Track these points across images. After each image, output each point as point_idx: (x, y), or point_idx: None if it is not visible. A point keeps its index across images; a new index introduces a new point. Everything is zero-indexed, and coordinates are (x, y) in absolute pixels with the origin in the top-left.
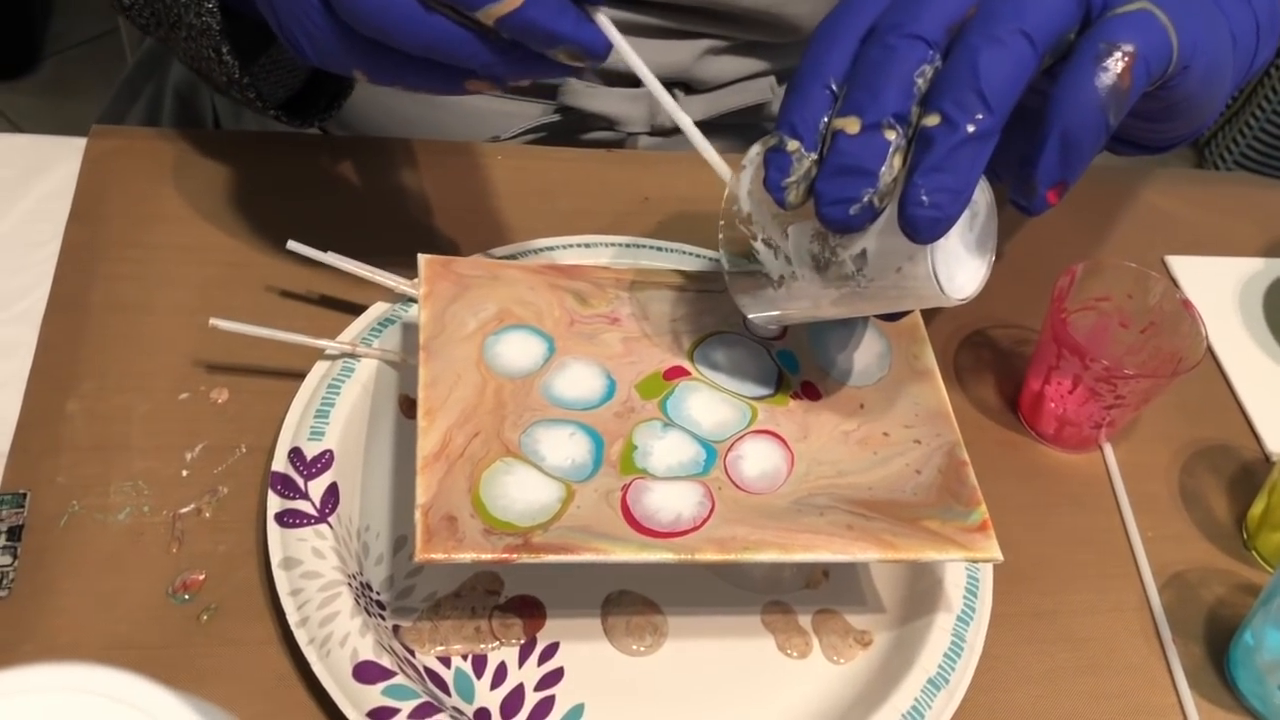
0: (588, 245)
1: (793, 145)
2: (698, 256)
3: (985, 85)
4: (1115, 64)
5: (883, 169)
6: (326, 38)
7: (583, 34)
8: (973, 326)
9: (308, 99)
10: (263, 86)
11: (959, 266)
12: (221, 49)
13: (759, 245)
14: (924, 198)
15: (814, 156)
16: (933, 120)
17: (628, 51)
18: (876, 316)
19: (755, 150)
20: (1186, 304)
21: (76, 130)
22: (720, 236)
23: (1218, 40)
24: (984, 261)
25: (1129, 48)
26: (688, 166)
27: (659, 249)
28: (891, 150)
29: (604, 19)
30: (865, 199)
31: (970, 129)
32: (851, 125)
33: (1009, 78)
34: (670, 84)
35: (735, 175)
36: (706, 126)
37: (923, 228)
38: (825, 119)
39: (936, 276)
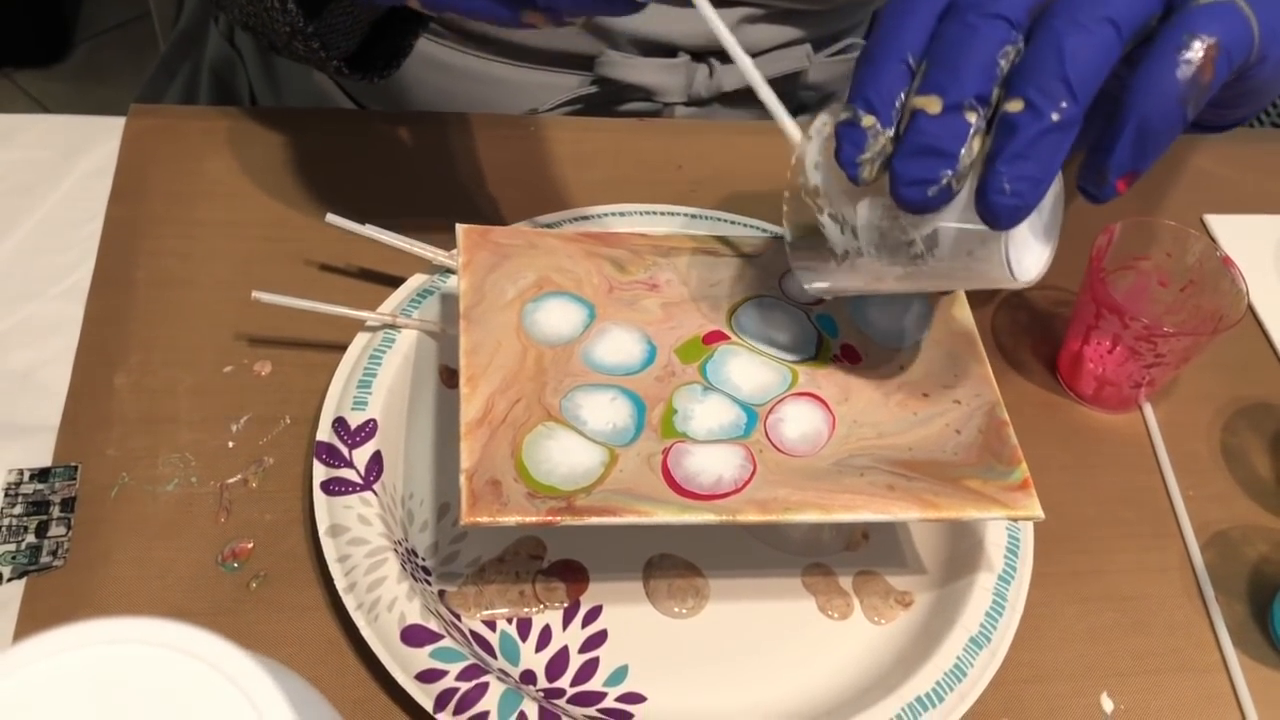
0: (623, 214)
1: (868, 120)
2: (732, 223)
3: (1071, 72)
4: (1197, 55)
5: (962, 151)
6: None
7: None
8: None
9: (368, 58)
10: (326, 38)
11: (1026, 250)
12: (286, 2)
13: (825, 219)
14: (1006, 185)
15: (890, 133)
16: (1016, 106)
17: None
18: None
19: (823, 120)
20: (1227, 261)
21: (110, 115)
22: (785, 208)
23: None
24: (1050, 245)
25: (1211, 39)
26: (720, 134)
27: (694, 216)
28: (972, 132)
29: None
30: (944, 181)
31: (1055, 117)
32: (932, 105)
33: (1094, 65)
34: (706, 53)
35: (802, 145)
36: (743, 96)
37: (1003, 215)
38: (902, 95)
39: (1008, 261)
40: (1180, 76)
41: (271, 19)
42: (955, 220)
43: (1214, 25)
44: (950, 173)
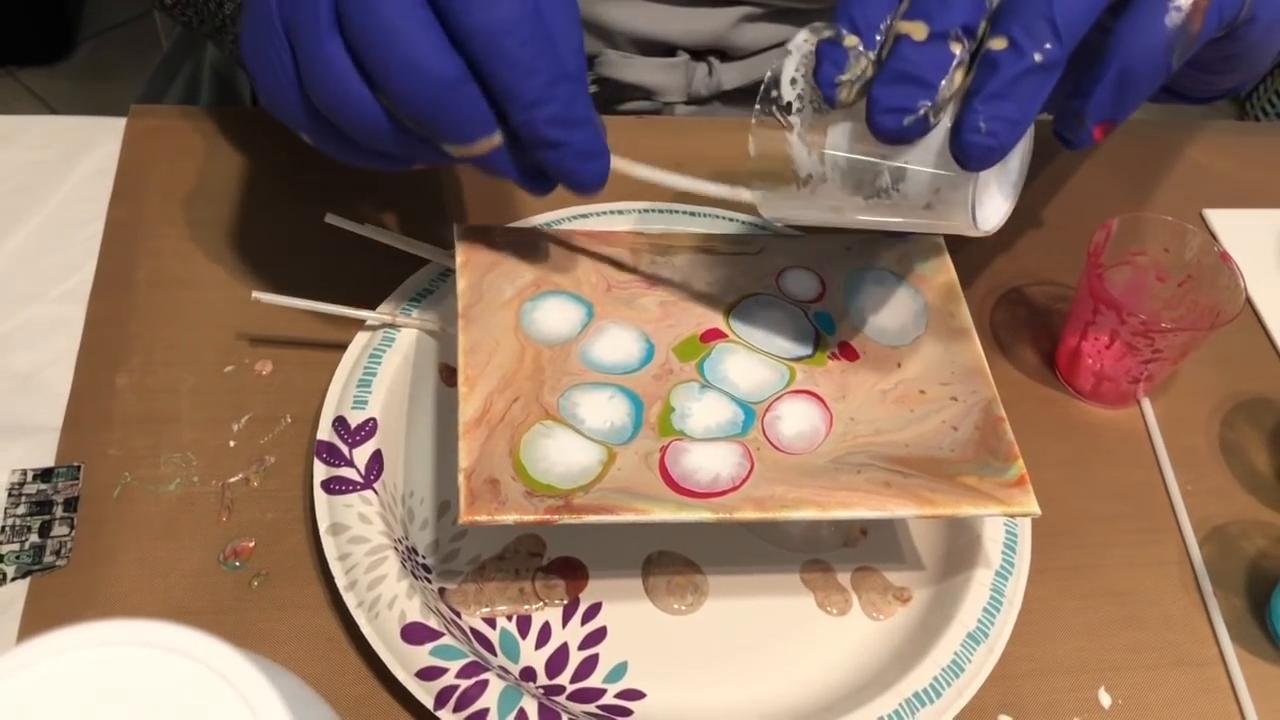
0: (621, 212)
1: (850, 40)
2: (730, 220)
3: (1058, 13)
4: (1187, 3)
5: (943, 82)
6: (292, 109)
7: (534, 185)
8: (1009, 284)
9: None
10: None
11: (988, 198)
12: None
13: (793, 138)
14: (981, 124)
15: (871, 56)
16: (1000, 44)
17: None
18: (888, 233)
19: (803, 37)
20: (1225, 256)
21: (113, 114)
22: (753, 121)
23: None
24: (1010, 200)
25: None
26: (719, 131)
27: (692, 214)
28: (955, 64)
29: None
30: (921, 111)
31: (1037, 58)
32: (918, 31)
33: (1082, 8)
34: (704, 51)
35: (780, 60)
36: (740, 94)
37: (975, 155)
38: (888, 18)
39: (973, 206)
40: (1169, 24)
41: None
42: (926, 157)
43: None
44: (929, 103)
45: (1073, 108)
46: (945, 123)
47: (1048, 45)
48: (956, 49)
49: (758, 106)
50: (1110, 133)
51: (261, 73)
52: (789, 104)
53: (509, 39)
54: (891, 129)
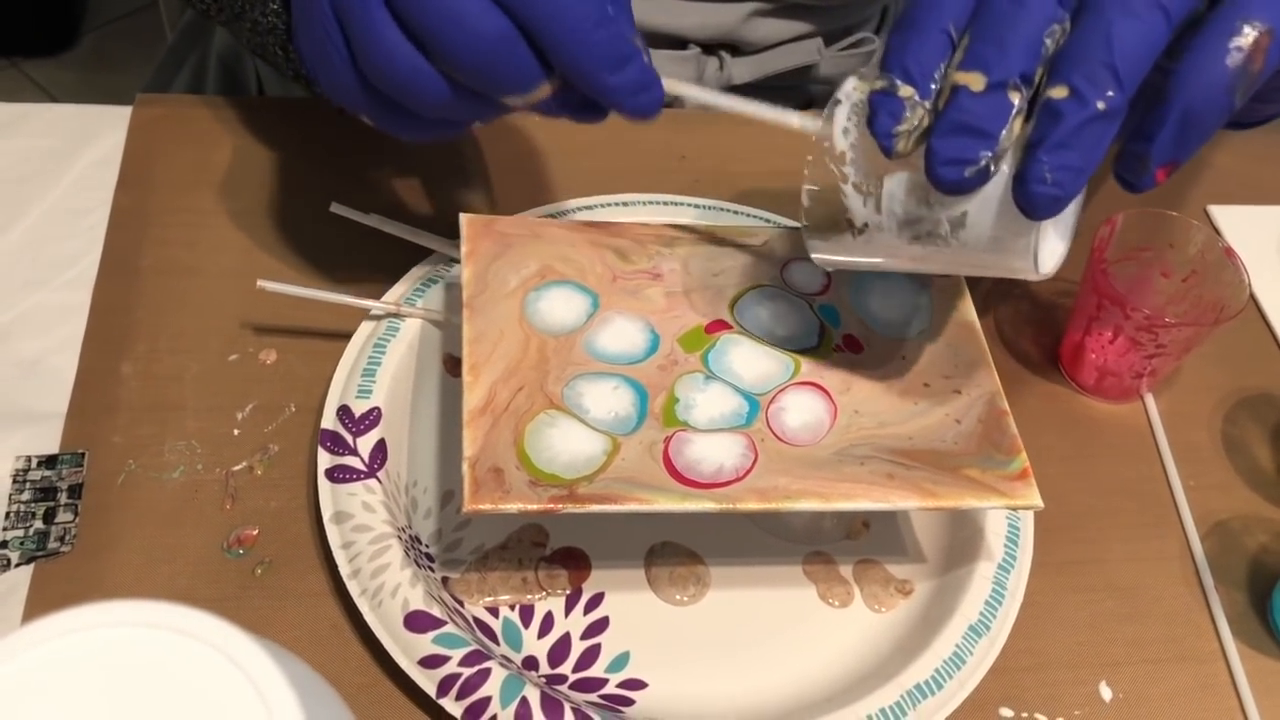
0: (626, 204)
1: (906, 91)
2: (735, 213)
3: (1119, 60)
4: (1248, 42)
5: (1003, 132)
6: (349, 88)
7: (589, 118)
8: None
9: None
10: None
11: (1045, 242)
12: (287, 47)
13: (848, 188)
14: (1047, 175)
15: (927, 106)
16: (1061, 92)
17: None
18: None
19: (852, 86)
20: (1229, 252)
21: (117, 104)
22: (806, 172)
23: None
24: (1066, 241)
25: (1265, 27)
26: (723, 125)
27: (696, 206)
28: (1014, 113)
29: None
30: (982, 162)
31: (1100, 106)
32: (976, 81)
33: (1142, 53)
34: (716, 46)
35: (831, 108)
36: (753, 89)
37: (1042, 205)
38: (941, 67)
39: (1036, 252)
40: (1230, 64)
41: (273, 57)
42: (986, 205)
43: (1267, 12)
44: (990, 154)
45: (1135, 151)
46: (1004, 170)
47: (1110, 93)
48: (1015, 98)
49: (809, 157)
50: (1173, 173)
51: (316, 60)
52: (842, 153)
53: None
54: (952, 180)
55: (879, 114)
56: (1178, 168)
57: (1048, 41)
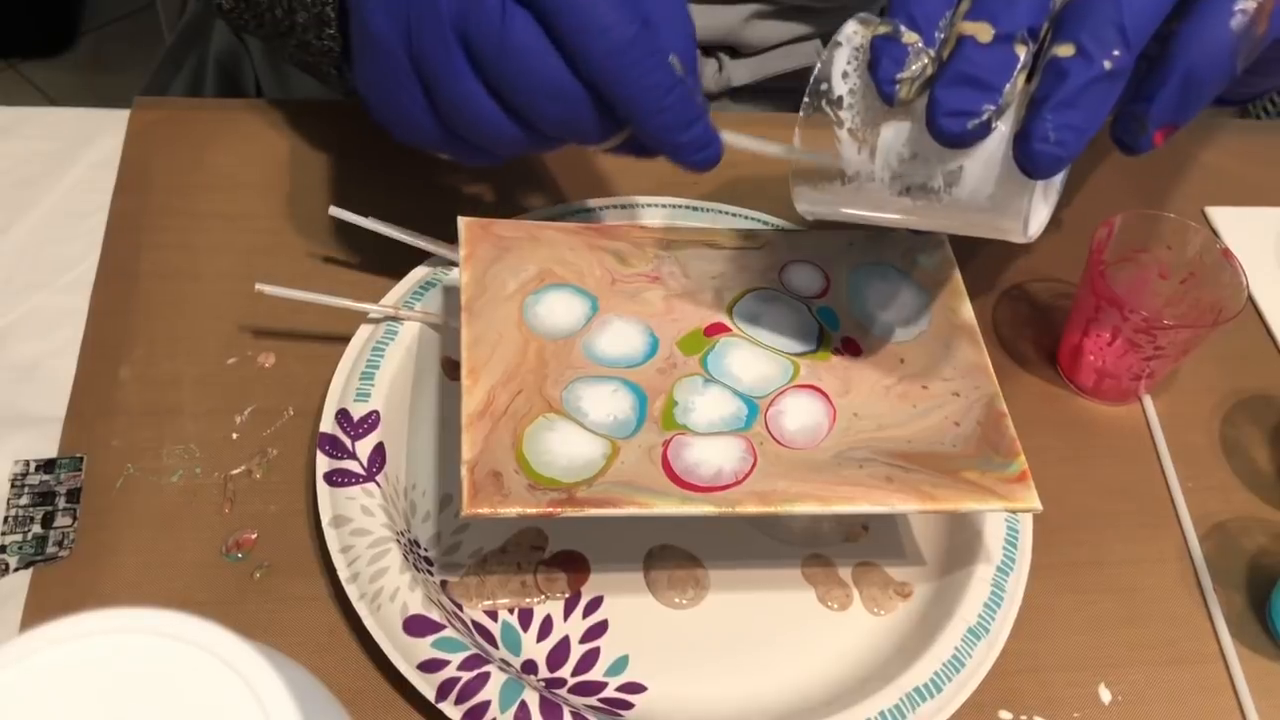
0: (624, 206)
1: (910, 37)
2: (733, 215)
3: (1127, 18)
4: (1251, 6)
5: (1007, 86)
6: (426, 131)
7: (646, 156)
8: (1011, 281)
9: None
10: None
11: (1035, 205)
12: (342, 68)
13: (843, 133)
14: (1051, 134)
15: (931, 54)
16: (1067, 50)
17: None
18: (913, 231)
19: (854, 29)
20: (1227, 254)
21: (115, 106)
22: (800, 114)
23: None
24: (1050, 205)
25: None
26: (721, 126)
27: (695, 209)
28: (1019, 67)
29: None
30: (984, 115)
31: (1106, 65)
32: (983, 32)
33: (1150, 13)
34: (715, 47)
35: (829, 52)
36: (752, 91)
37: (1043, 163)
38: (948, 14)
39: (1028, 213)
40: (1234, 26)
41: (321, 74)
42: (983, 161)
43: None
44: (993, 107)
45: (1135, 112)
46: (1002, 128)
47: (1116, 52)
48: (1022, 51)
49: (806, 99)
50: (1170, 137)
51: (387, 105)
52: (840, 98)
53: (623, 59)
54: (954, 132)
55: (882, 60)
56: (1176, 130)
57: None
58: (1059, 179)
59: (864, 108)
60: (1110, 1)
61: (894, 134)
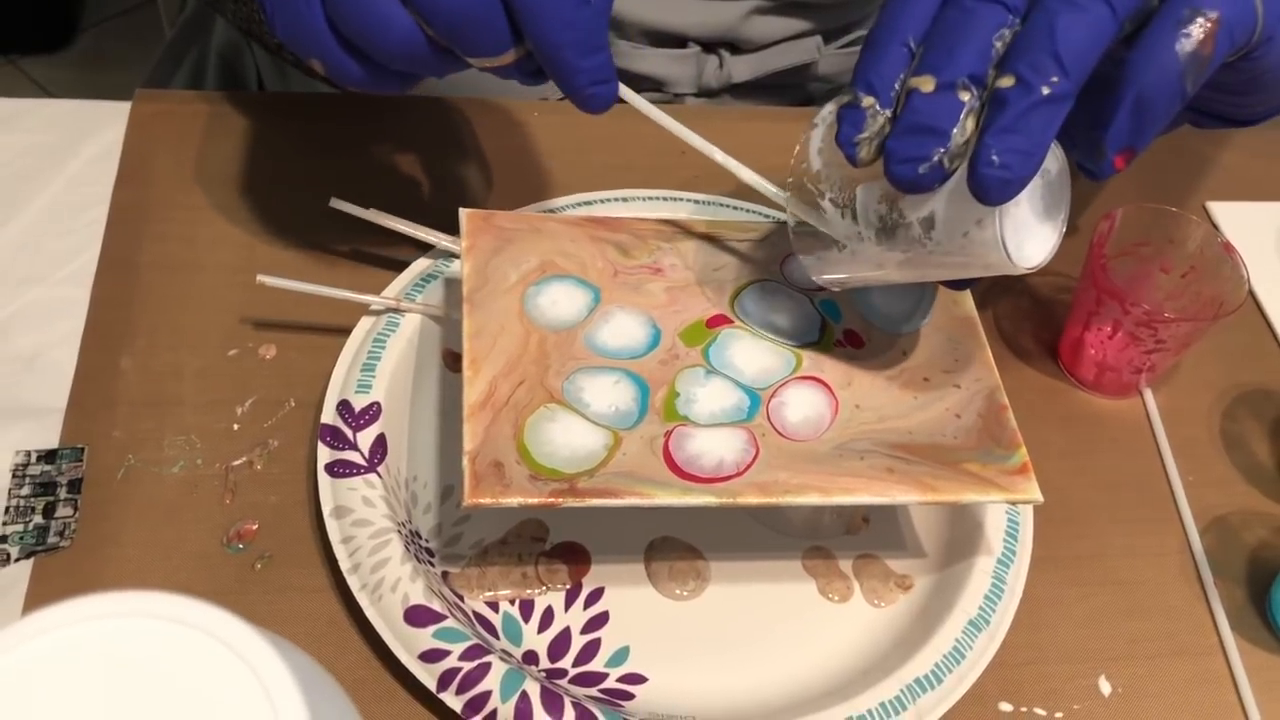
0: (625, 199)
1: (867, 101)
2: (735, 208)
3: (1062, 49)
4: (1197, 30)
5: (955, 129)
6: (312, 29)
7: (533, 82)
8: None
9: None
10: None
11: (1028, 235)
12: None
13: (826, 204)
14: (994, 158)
15: (888, 114)
16: (1007, 82)
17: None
18: (943, 284)
19: (829, 109)
20: (1228, 247)
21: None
22: (788, 195)
23: None
24: (1055, 230)
25: (1213, 14)
26: (723, 120)
27: (696, 202)
28: (965, 112)
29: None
30: (935, 158)
31: (1045, 91)
32: (926, 84)
33: (1086, 42)
34: (716, 44)
35: (807, 133)
36: (752, 87)
37: (992, 188)
38: (901, 77)
39: (1004, 243)
40: (1179, 50)
41: (263, 30)
42: (950, 201)
43: (1216, 0)
44: (942, 150)
45: (1093, 138)
46: (963, 169)
47: (1054, 78)
48: (965, 96)
49: (789, 179)
50: (1131, 162)
51: (287, 16)
52: (818, 172)
53: None
54: (909, 178)
55: (843, 125)
56: (1135, 155)
57: (997, 44)
58: (1057, 204)
59: (838, 175)
60: (1045, 34)
61: (867, 194)
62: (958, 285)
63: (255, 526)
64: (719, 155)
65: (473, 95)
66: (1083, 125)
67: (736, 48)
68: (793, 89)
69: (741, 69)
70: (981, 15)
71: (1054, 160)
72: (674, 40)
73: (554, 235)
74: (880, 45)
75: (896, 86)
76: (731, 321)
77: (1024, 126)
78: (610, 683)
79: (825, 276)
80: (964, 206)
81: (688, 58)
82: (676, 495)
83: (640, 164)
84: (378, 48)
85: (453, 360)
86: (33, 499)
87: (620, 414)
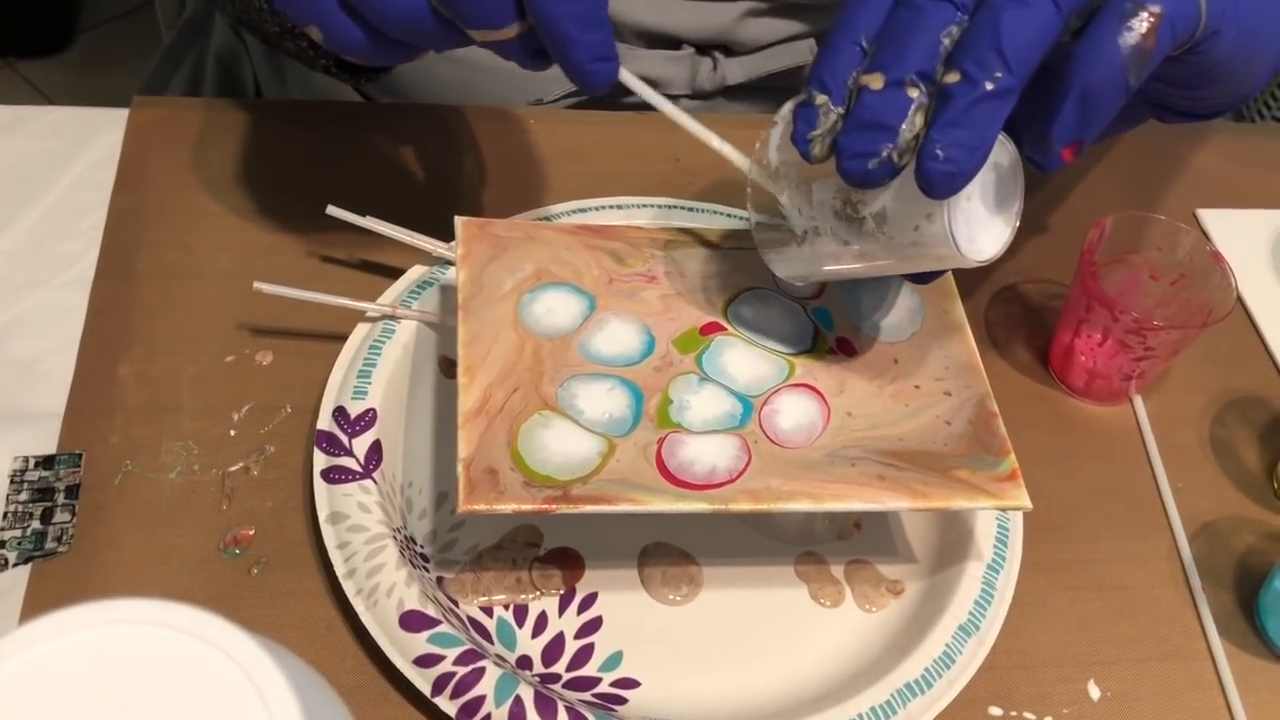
0: (620, 207)
1: (820, 99)
2: (729, 216)
3: (1006, 45)
4: (1140, 24)
5: (903, 125)
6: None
7: (536, 65)
8: (1003, 281)
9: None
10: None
11: (980, 228)
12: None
13: (784, 200)
14: (939, 152)
15: (840, 111)
16: (953, 78)
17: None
18: (907, 279)
19: (787, 108)
20: (1216, 256)
21: (113, 105)
22: (749, 192)
23: (1257, 7)
24: (1007, 224)
25: (1155, 9)
26: (721, 126)
27: (690, 209)
28: (914, 108)
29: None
30: (884, 154)
31: (989, 86)
32: (875, 81)
33: (1030, 38)
34: (710, 46)
35: (766, 132)
36: (746, 90)
37: (938, 182)
38: (854, 75)
39: (954, 236)
40: (1122, 44)
41: (260, 19)
42: (900, 196)
43: None
44: (891, 146)
45: (1040, 131)
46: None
47: (998, 74)
48: (914, 93)
49: (750, 176)
50: (1079, 154)
51: None
52: (776, 169)
53: None
54: (858, 173)
55: (797, 123)
56: (1083, 147)
57: (945, 41)
58: (999, 196)
59: (796, 172)
60: (990, 30)
61: (823, 189)
62: (919, 279)
63: (252, 532)
64: (715, 141)
65: (469, 102)
66: (1030, 119)
67: (730, 50)
68: (787, 91)
69: (735, 71)
70: (931, 14)
71: (1005, 154)
72: (668, 42)
73: (549, 243)
74: (834, 44)
75: (849, 84)
76: (725, 329)
77: (968, 121)
78: (604, 687)
79: (785, 270)
80: (914, 201)
81: (682, 59)
82: (669, 502)
83: (635, 171)
84: (379, 12)
85: (448, 367)
86: (31, 504)
87: (614, 421)
